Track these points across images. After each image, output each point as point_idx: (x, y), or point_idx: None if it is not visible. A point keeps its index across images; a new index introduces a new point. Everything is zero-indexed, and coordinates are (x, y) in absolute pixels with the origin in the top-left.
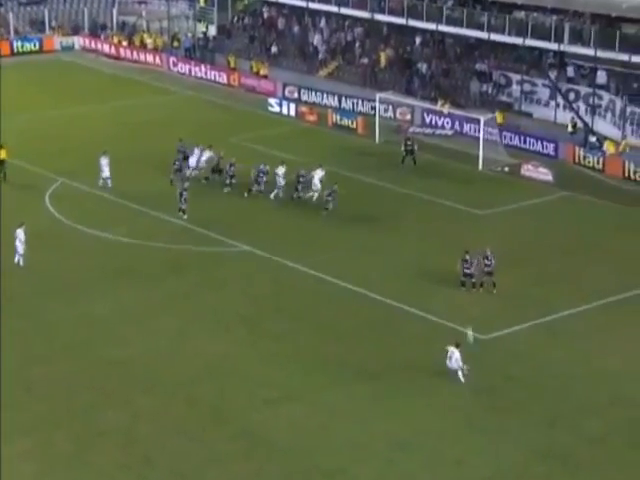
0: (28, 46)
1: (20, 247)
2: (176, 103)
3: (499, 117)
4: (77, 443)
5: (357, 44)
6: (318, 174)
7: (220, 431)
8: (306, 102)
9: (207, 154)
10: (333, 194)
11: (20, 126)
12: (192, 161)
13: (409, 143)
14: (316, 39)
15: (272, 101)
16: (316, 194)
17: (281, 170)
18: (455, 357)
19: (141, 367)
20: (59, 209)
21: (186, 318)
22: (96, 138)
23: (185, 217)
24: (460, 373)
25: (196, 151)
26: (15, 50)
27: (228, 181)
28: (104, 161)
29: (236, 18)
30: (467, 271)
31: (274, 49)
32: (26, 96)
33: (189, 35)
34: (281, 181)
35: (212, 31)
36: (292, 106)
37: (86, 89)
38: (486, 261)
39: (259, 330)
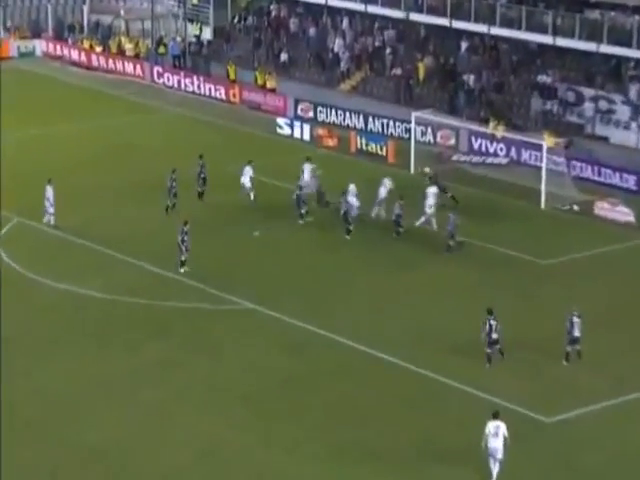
0: None
1: None
2: (161, 123)
3: (549, 140)
4: None
5: (388, 50)
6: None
7: None
8: (324, 123)
9: (308, 167)
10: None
11: None
12: (245, 180)
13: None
14: (337, 44)
15: (281, 121)
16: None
17: (352, 188)
18: (502, 431)
19: (116, 454)
20: (14, 256)
21: (172, 393)
22: (62, 167)
23: (182, 270)
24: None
25: (247, 169)
26: None
27: (304, 210)
28: (49, 193)
29: (237, 18)
30: (494, 336)
31: (284, 56)
32: None
33: (178, 39)
34: (354, 202)
35: (207, 34)
36: (306, 127)
37: (49, 106)
38: (568, 325)
39: (262, 408)
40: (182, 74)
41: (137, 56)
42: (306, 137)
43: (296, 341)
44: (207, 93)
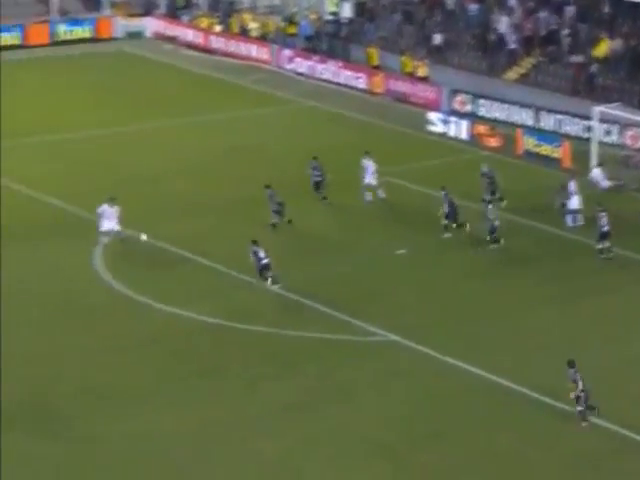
0: (77, 31)
1: None
2: (290, 118)
3: None
4: None
5: (565, 31)
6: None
7: None
8: (485, 119)
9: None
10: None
11: (55, 150)
12: (370, 179)
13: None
14: (503, 24)
15: (433, 116)
16: None
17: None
18: None
19: None
20: (116, 273)
21: (298, 443)
22: (169, 169)
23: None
24: None
25: (369, 164)
26: (57, 38)
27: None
28: (110, 210)
29: None
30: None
31: (438, 38)
32: (67, 107)
33: (312, 17)
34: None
35: (346, 11)
36: (464, 124)
37: (158, 96)
38: None
39: (407, 464)
40: (316, 59)
41: (264, 37)
42: (463, 136)
43: (449, 384)
44: (345, 82)
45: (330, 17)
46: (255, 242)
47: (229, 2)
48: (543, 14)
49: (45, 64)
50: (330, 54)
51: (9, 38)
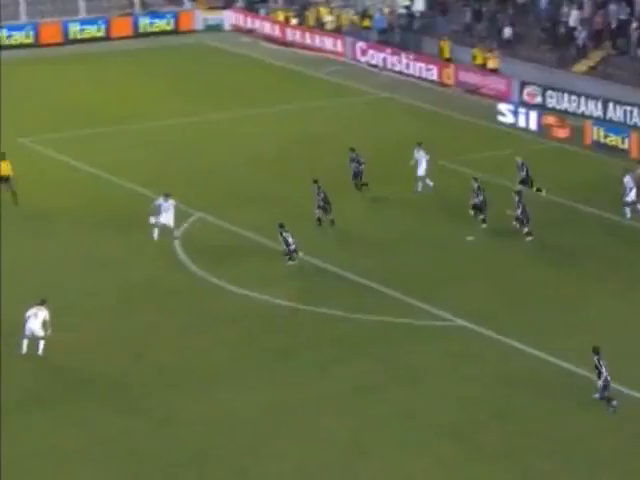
0: (159, 24)
1: (38, 330)
2: (363, 109)
3: None
4: None
5: (635, 24)
6: None
7: None
8: (554, 110)
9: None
10: None
11: (135, 138)
12: (421, 170)
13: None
14: (573, 17)
15: (503, 107)
16: None
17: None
18: None
19: None
20: (195, 258)
21: (365, 423)
22: (246, 158)
23: (290, 263)
24: None
25: (420, 154)
26: (140, 29)
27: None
28: (165, 204)
29: None
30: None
31: (509, 31)
32: (147, 97)
33: (385, 10)
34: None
35: (419, 4)
36: (533, 115)
37: (235, 87)
38: None
39: (473, 445)
40: (389, 51)
41: (338, 30)
42: (532, 126)
43: (515, 368)
44: (417, 73)
45: (403, 10)
46: (282, 226)
47: None
48: (613, 7)
49: (128, 56)
50: (403, 47)
51: (94, 31)
